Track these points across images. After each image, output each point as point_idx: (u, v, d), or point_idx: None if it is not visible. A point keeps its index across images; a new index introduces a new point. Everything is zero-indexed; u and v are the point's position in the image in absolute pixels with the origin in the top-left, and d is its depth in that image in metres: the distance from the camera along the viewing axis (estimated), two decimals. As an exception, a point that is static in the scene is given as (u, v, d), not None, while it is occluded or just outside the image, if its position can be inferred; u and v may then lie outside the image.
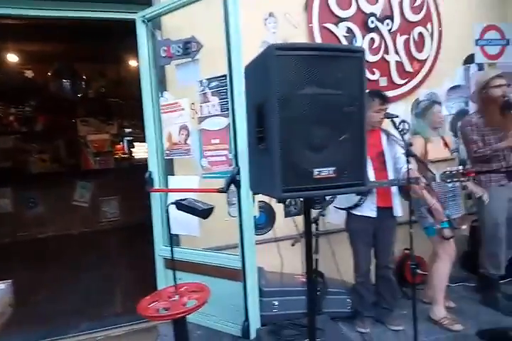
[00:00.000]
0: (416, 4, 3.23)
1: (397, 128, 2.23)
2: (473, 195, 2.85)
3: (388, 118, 2.27)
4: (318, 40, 2.95)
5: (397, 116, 2.27)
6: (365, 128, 1.29)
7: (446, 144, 2.69)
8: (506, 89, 2.63)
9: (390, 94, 3.21)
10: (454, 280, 3.28)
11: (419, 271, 3.30)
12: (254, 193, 1.49)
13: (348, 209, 2.58)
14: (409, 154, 2.08)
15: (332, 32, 2.97)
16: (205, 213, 1.88)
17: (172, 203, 1.92)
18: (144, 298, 1.98)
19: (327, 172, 1.24)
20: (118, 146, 6.99)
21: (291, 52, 1.19)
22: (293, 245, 2.47)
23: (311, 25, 2.93)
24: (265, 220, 3.02)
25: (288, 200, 3.12)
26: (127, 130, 7.12)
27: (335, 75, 1.24)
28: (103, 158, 6.75)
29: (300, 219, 2.96)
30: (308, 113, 1.22)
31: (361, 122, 1.28)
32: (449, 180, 2.17)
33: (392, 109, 3.28)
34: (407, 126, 3.39)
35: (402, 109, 3.34)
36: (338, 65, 1.24)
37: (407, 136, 3.35)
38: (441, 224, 2.52)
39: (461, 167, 2.16)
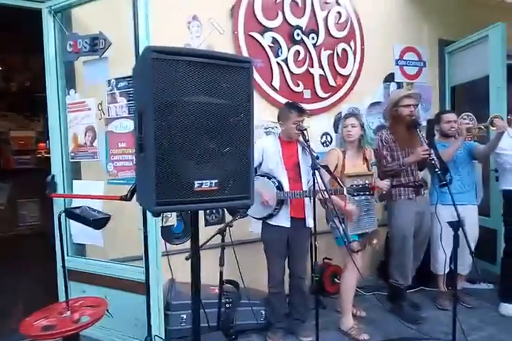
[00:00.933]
0: (340, 21, 3.35)
1: (306, 140, 2.25)
2: (387, 207, 2.98)
3: (299, 130, 2.29)
4: (244, 48, 2.94)
5: (305, 129, 2.29)
6: (252, 141, 1.25)
7: (365, 158, 2.75)
8: (414, 109, 2.78)
9: (313, 106, 3.31)
10: (369, 289, 3.41)
11: (337, 280, 3.40)
12: (140, 204, 1.39)
13: (263, 219, 2.56)
14: (314, 167, 2.09)
15: (257, 41, 2.98)
16: (98, 223, 1.74)
17: (62, 211, 1.75)
18: (31, 315, 1.79)
19: (209, 184, 1.18)
20: (41, 144, 6.48)
21: (171, 57, 1.12)
22: (187, 259, 2.35)
23: (236, 33, 2.90)
24: (183, 229, 2.92)
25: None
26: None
27: (222, 84, 1.19)
28: (24, 156, 6.22)
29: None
30: (192, 122, 1.15)
31: (248, 134, 1.24)
32: (355, 194, 2.23)
33: (315, 121, 3.38)
34: (329, 139, 3.48)
35: (325, 122, 3.43)
36: (226, 74, 1.20)
37: (330, 148, 3.46)
38: (351, 237, 2.57)
39: (367, 181, 2.22)
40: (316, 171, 2.07)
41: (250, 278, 2.80)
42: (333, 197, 2.37)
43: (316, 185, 2.10)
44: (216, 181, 1.19)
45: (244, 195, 1.25)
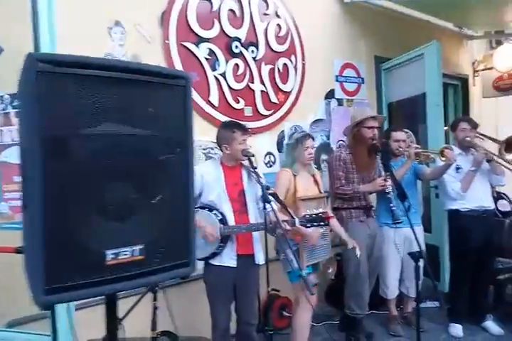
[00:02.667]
0: (281, 34, 3.15)
1: (254, 167, 1.97)
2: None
3: (246, 156, 2.00)
4: (177, 59, 2.59)
5: (253, 155, 2.01)
6: (192, 185, 0.91)
7: (316, 181, 2.54)
8: (376, 132, 2.66)
9: (255, 125, 3.05)
10: (319, 319, 3.17)
11: (286, 314, 3.12)
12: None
13: (205, 259, 2.19)
14: (265, 200, 1.80)
15: (192, 52, 2.65)
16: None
17: None
18: None
19: (129, 253, 0.82)
20: None
21: (68, 70, 0.75)
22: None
23: (167, 42, 2.55)
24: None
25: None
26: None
27: (147, 109, 0.85)
28: None
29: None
30: (101, 163, 0.79)
31: (186, 176, 0.91)
32: (309, 225, 1.97)
33: (257, 140, 3.11)
34: (273, 159, 3.24)
35: (267, 141, 3.18)
36: (153, 95, 0.86)
37: (275, 168, 3.21)
38: (307, 269, 2.31)
39: (321, 209, 1.98)
40: (266, 204, 1.78)
41: (193, 324, 2.40)
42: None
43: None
44: (141, 247, 0.83)
45: (182, 260, 0.90)
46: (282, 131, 3.26)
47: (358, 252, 2.50)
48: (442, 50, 3.32)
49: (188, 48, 2.63)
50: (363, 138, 2.66)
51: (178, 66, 2.59)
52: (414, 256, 1.92)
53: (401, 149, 2.88)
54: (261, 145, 3.13)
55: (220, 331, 2.21)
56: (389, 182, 2.49)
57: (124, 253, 0.81)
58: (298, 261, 2.27)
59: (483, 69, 5.19)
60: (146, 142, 0.85)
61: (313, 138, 2.51)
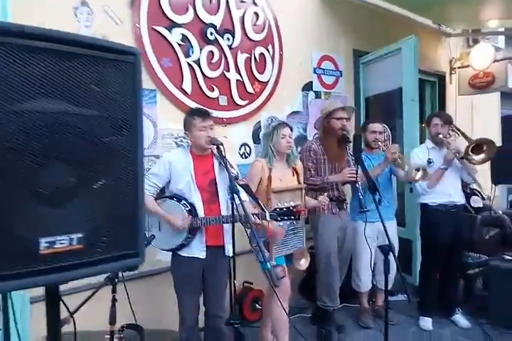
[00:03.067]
0: (258, 23, 3.08)
1: (223, 157, 1.91)
2: (310, 222, 2.77)
3: (214, 144, 1.94)
4: (147, 44, 2.49)
5: (221, 143, 1.95)
6: (141, 168, 0.85)
7: (296, 173, 2.49)
8: (346, 123, 2.64)
9: (230, 114, 2.98)
10: (293, 312, 3.16)
11: (258, 306, 3.09)
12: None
13: (173, 250, 2.13)
14: (232, 190, 1.75)
15: (164, 37, 2.55)
16: None
17: None
18: None
19: (66, 242, 0.75)
20: None
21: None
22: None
23: (138, 25, 2.44)
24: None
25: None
26: None
27: (88, 86, 0.77)
28: None
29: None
30: (35, 143, 0.71)
31: (134, 159, 0.84)
32: (279, 219, 1.93)
33: (233, 131, 3.05)
34: (248, 150, 3.18)
35: (243, 132, 3.12)
36: (96, 71, 0.78)
37: (250, 159, 3.16)
38: (277, 260, 2.28)
39: (292, 203, 1.94)
40: (235, 195, 1.73)
41: (160, 317, 2.34)
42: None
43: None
44: (80, 236, 0.76)
45: (129, 251, 0.84)
46: (259, 121, 3.20)
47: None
48: (421, 47, 3.33)
49: (159, 33, 2.52)
50: (332, 129, 2.65)
51: (149, 51, 2.49)
52: (384, 250, 1.91)
53: (376, 141, 2.87)
54: (236, 135, 3.07)
55: (188, 324, 2.15)
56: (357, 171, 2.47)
57: (61, 241, 0.74)
58: (263, 252, 2.23)
59: (459, 67, 5.25)
60: (90, 122, 0.77)
61: (291, 128, 2.44)
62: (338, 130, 2.62)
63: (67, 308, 1.11)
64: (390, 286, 3.04)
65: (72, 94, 0.75)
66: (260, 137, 2.59)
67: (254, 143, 3.20)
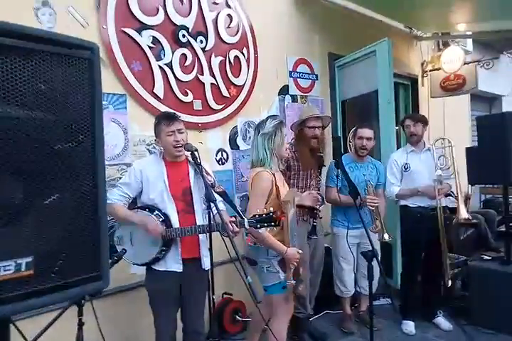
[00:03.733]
0: (232, 25, 3.00)
1: (198, 163, 1.82)
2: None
3: (188, 150, 1.84)
4: (116, 47, 2.36)
5: (196, 150, 1.85)
6: (102, 180, 0.75)
7: (284, 175, 2.41)
8: (318, 132, 2.57)
9: (206, 119, 2.89)
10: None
11: (239, 318, 2.98)
12: None
13: (147, 265, 2.01)
14: (209, 199, 1.66)
15: (134, 39, 2.43)
16: None
17: None
18: None
19: (12, 268, 0.64)
20: None
21: None
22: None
23: (105, 27, 2.32)
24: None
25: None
26: None
27: (37, 85, 0.67)
28: None
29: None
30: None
31: (94, 169, 0.74)
32: (258, 226, 1.84)
33: (209, 136, 2.95)
34: (225, 156, 3.08)
35: (219, 137, 3.03)
36: (46, 68, 0.68)
37: (228, 166, 3.06)
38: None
39: (271, 209, 1.86)
40: (212, 204, 1.64)
41: (137, 335, 2.19)
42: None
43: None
44: (28, 260, 0.65)
45: (91, 273, 0.74)
46: (235, 126, 3.12)
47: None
48: (394, 50, 3.34)
49: (129, 35, 2.41)
50: (304, 138, 2.58)
51: (118, 54, 2.37)
52: (367, 256, 1.85)
53: (364, 147, 2.80)
54: (212, 141, 2.97)
55: (165, 342, 2.03)
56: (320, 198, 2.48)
57: (6, 267, 0.63)
58: (284, 271, 2.07)
59: (431, 70, 5.35)
60: (38, 127, 0.67)
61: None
62: (310, 139, 2.55)
63: (24, 337, 0.98)
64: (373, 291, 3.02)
65: (17, 95, 0.65)
66: (256, 139, 2.25)
67: (232, 148, 3.11)
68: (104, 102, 2.37)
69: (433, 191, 2.72)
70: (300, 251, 2.01)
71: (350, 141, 2.92)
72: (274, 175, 2.09)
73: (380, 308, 3.23)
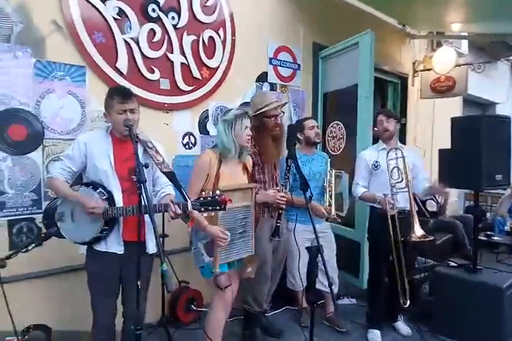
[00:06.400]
0: (208, 3, 2.87)
1: (135, 141, 1.73)
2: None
3: (125, 126, 1.75)
4: (76, 15, 2.24)
5: (132, 125, 1.75)
6: None
7: (246, 168, 2.28)
8: (280, 120, 2.48)
9: (173, 100, 2.78)
10: (232, 314, 2.98)
11: (194, 307, 2.89)
12: None
13: (88, 244, 1.91)
14: (139, 180, 1.56)
15: (97, 9, 2.31)
16: None
17: None
18: None
19: None
20: None
21: None
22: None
23: (64, -7, 2.19)
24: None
25: (16, 226, 2.27)
26: None
27: None
28: None
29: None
30: None
31: None
32: (202, 209, 1.74)
33: (175, 118, 2.84)
34: (193, 140, 2.98)
35: (188, 120, 2.92)
36: None
37: (195, 151, 2.95)
38: (220, 267, 2.04)
39: (218, 192, 1.76)
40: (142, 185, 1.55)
41: (82, 317, 2.10)
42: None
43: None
44: None
45: None
46: (206, 110, 3.00)
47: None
48: (385, 47, 3.23)
49: (91, 3, 2.28)
50: (266, 128, 2.44)
51: (79, 23, 2.24)
52: (311, 251, 1.76)
53: (318, 134, 2.76)
54: (179, 124, 2.86)
55: (101, 327, 1.94)
56: (285, 195, 2.34)
57: None
58: (210, 255, 2.04)
59: (422, 70, 5.26)
60: None
61: (251, 120, 2.18)
62: (273, 128, 2.44)
63: None
64: (335, 290, 2.92)
65: None
66: (219, 124, 2.20)
67: (201, 133, 3.00)
68: (60, 73, 2.26)
69: (386, 205, 2.60)
70: (227, 233, 1.99)
71: (299, 136, 2.79)
72: (221, 163, 2.09)
73: (344, 308, 3.17)
